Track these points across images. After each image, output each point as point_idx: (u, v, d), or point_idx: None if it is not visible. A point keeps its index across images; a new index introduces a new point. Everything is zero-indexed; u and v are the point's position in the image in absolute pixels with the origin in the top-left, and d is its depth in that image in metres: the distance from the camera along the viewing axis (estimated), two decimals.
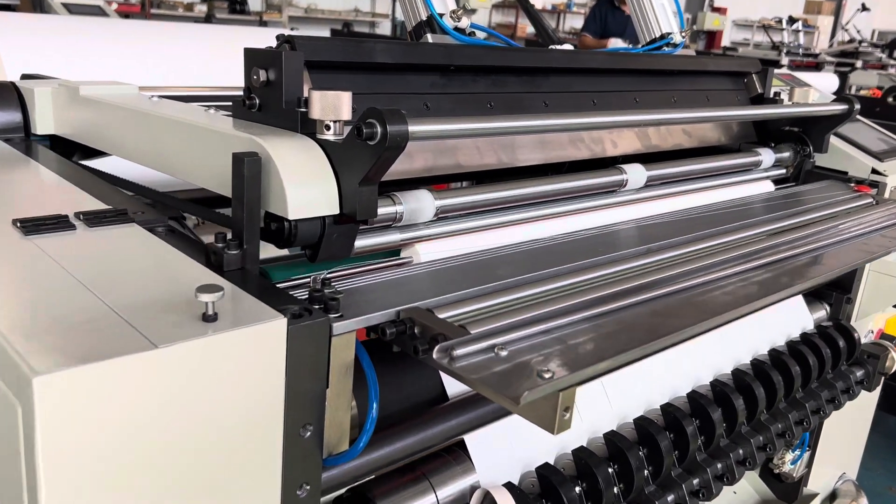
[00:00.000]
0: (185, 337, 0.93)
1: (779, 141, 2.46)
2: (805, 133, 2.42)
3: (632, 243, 1.61)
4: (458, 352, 1.00)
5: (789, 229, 1.88)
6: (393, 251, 1.45)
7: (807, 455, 2.60)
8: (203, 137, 1.36)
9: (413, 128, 1.20)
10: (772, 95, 2.50)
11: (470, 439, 1.36)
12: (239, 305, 1.05)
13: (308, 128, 1.31)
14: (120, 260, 1.17)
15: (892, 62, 12.18)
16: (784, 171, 2.43)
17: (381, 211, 1.36)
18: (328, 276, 1.27)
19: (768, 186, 2.35)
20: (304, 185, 1.21)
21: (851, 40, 13.44)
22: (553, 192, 1.68)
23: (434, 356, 0.99)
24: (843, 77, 8.45)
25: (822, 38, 16.11)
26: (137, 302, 1.01)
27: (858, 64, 11.83)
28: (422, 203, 1.43)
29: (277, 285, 1.24)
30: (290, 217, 1.20)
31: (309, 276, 1.31)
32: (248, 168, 1.19)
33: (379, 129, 1.15)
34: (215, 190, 1.33)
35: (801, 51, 12.59)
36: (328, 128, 1.27)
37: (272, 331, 1.01)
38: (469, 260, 1.37)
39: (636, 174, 1.87)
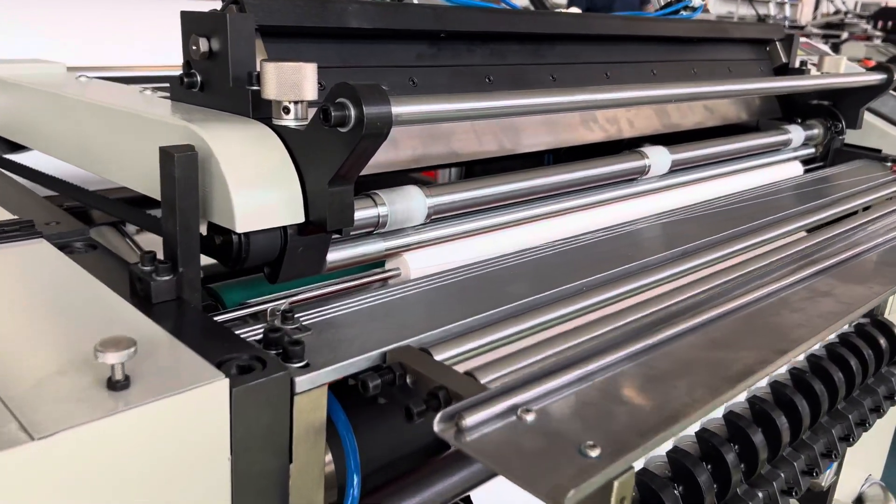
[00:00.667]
0: (77, 419, 0.64)
1: (806, 116, 2.18)
2: (836, 107, 2.14)
3: (663, 245, 1.32)
4: (470, 420, 0.71)
5: (836, 220, 1.60)
6: (376, 262, 1.16)
7: (836, 464, 2.35)
8: (128, 126, 1.06)
9: (398, 109, 0.90)
10: (797, 65, 2.22)
11: (478, 497, 1.07)
12: (164, 360, 0.75)
13: (262, 111, 1.01)
14: (6, 294, 0.87)
15: (877, 33, 11.95)
16: (813, 150, 2.15)
17: (359, 215, 1.07)
18: (290, 304, 0.97)
19: (797, 168, 2.07)
20: (257, 187, 0.91)
21: (836, 11, 13.18)
22: (566, 182, 1.39)
23: (436, 428, 0.71)
24: (836, 49, 8.20)
25: (805, 10, 15.85)
26: (19, 363, 0.71)
27: (844, 35, 11.57)
28: (410, 202, 1.14)
29: (226, 322, 0.95)
30: (239, 229, 0.90)
31: (275, 299, 1.01)
32: (181, 166, 0.89)
33: (353, 112, 0.86)
34: (147, 194, 1.03)
35: (787, 23, 12.32)
36: (287, 111, 0.97)
37: (209, 397, 0.72)
38: (470, 273, 1.09)
39: (660, 159, 1.59)
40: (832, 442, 1.79)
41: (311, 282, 1.11)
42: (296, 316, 0.92)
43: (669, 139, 1.70)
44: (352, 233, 1.10)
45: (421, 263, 1.17)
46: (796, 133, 2.05)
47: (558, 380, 0.81)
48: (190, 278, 0.93)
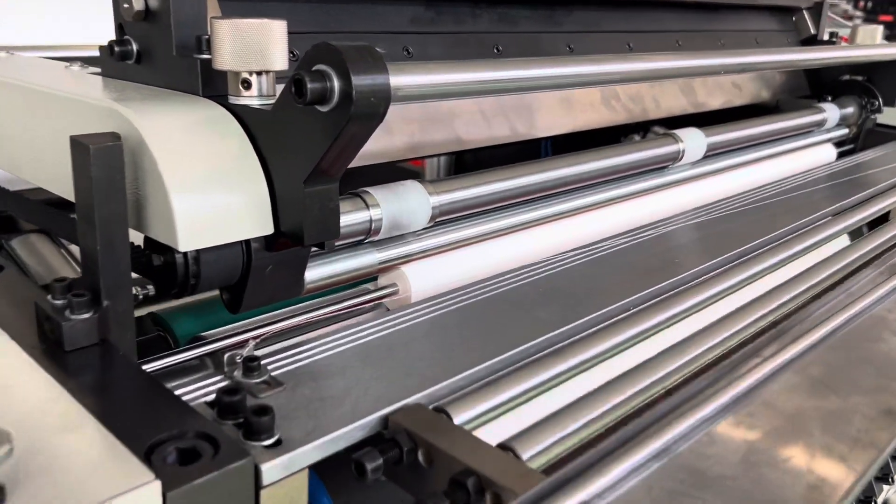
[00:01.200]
0: None
1: (837, 94, 1.95)
2: (871, 82, 1.91)
3: (712, 249, 1.09)
4: None
5: None
6: (367, 278, 0.91)
7: None
8: (41, 109, 0.81)
9: (398, 79, 0.66)
10: (826, 37, 1.99)
11: None
12: (64, 454, 0.50)
13: (215, 87, 0.77)
14: None
15: (857, 13, 11.82)
16: (846, 130, 1.92)
17: (345, 221, 0.82)
18: (256, 343, 0.72)
19: (830, 152, 1.84)
20: (208, 190, 0.68)
21: None
22: (594, 172, 1.16)
23: None
24: None
25: None
26: None
27: None
28: (410, 202, 0.90)
29: (169, 371, 0.70)
30: (183, 247, 0.65)
31: (240, 330, 0.78)
32: (100, 162, 0.64)
33: (337, 84, 0.62)
34: (65, 197, 0.78)
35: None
36: (248, 85, 0.72)
37: None
38: (488, 292, 0.90)
39: (694, 143, 1.35)
40: None
41: (287, 304, 0.87)
42: (263, 363, 0.67)
43: (691, 122, 1.46)
44: (336, 243, 0.85)
45: (424, 279, 0.93)
46: (831, 112, 1.82)
47: (632, 458, 0.57)
48: (118, 314, 0.68)
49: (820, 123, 1.80)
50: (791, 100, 1.98)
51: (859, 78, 1.94)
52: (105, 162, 0.64)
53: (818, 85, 2.00)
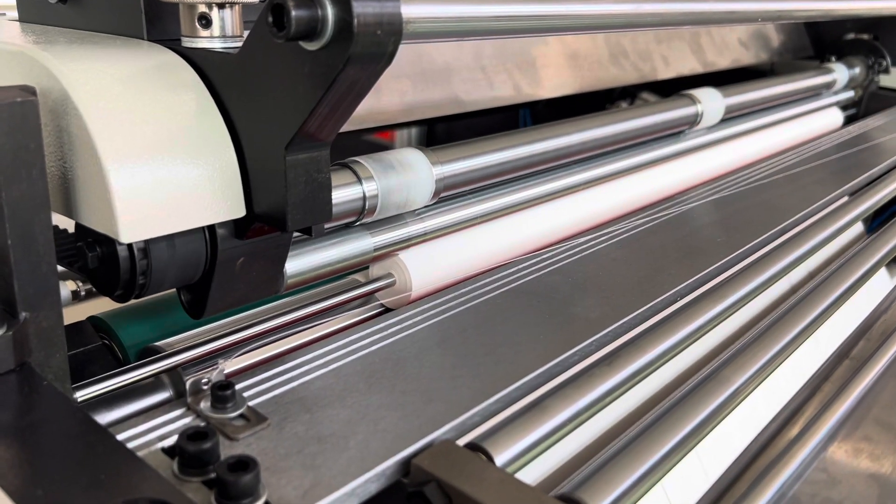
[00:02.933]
0: None
1: (841, 54, 1.82)
2: (878, 40, 1.79)
3: (754, 223, 0.94)
4: None
5: None
6: (357, 267, 0.75)
7: None
8: None
9: (411, 8, 0.49)
10: None
11: None
12: None
13: (164, 28, 0.60)
14: None
15: None
16: (852, 93, 1.79)
17: (334, 197, 0.65)
18: (226, 369, 0.56)
19: (837, 117, 1.71)
20: (157, 161, 0.51)
21: None
22: (610, 138, 1.00)
23: None
24: None
25: None
26: None
27: None
28: (410, 174, 0.74)
29: (113, 400, 0.54)
30: (126, 237, 0.48)
31: (205, 339, 0.63)
32: (5, 126, 0.47)
33: (330, 11, 0.46)
34: None
35: None
36: (206, 22, 0.55)
37: None
38: (506, 282, 0.77)
39: (712, 105, 1.21)
40: None
41: (261, 304, 0.70)
42: (237, 389, 0.51)
43: (700, 83, 1.31)
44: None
45: (425, 267, 0.77)
46: (840, 73, 1.68)
47: None
48: (42, 329, 0.51)
49: (829, 85, 1.66)
50: (793, 61, 1.85)
51: (865, 36, 1.81)
52: (14, 125, 0.47)
53: (821, 45, 1.87)
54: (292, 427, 0.51)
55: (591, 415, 0.58)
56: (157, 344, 0.65)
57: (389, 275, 0.76)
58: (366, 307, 0.76)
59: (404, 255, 0.76)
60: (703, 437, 0.60)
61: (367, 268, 0.78)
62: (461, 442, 0.51)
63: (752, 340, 0.71)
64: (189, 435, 0.45)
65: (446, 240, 0.81)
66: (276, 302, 0.72)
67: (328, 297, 0.72)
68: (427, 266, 0.77)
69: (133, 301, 0.67)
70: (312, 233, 0.58)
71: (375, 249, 0.74)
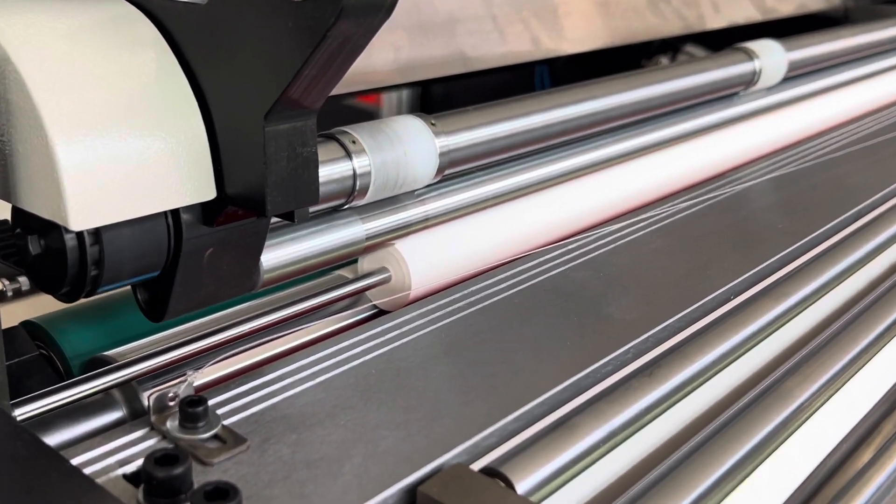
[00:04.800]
0: None
1: None
2: None
3: (823, 206, 0.98)
4: None
5: None
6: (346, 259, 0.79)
7: None
8: None
9: None
10: None
11: None
12: None
13: None
14: None
15: None
16: None
17: (320, 174, 0.68)
18: (196, 381, 0.59)
19: None
20: (110, 134, 0.54)
21: None
22: (649, 102, 1.05)
23: None
24: None
25: None
26: None
27: None
28: (408, 148, 0.77)
29: (56, 420, 0.59)
30: (76, 224, 0.53)
31: (164, 346, 0.67)
32: None
33: None
34: None
35: None
36: None
37: None
38: (525, 278, 0.80)
39: (772, 60, 1.27)
40: None
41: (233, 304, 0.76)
42: (210, 405, 0.54)
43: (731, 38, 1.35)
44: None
45: (427, 261, 0.80)
46: None
47: None
48: None
49: None
50: (871, 6, 1.88)
51: None
52: None
53: None
54: (276, 449, 0.54)
55: (627, 436, 0.61)
56: (106, 354, 0.69)
57: (383, 269, 0.80)
58: (354, 309, 0.79)
59: (401, 245, 0.80)
60: (761, 463, 0.63)
61: (356, 261, 0.81)
62: (475, 466, 0.53)
63: (820, 347, 0.74)
64: (157, 458, 0.47)
65: (452, 226, 0.85)
66: (250, 302, 0.75)
67: (309, 296, 0.75)
68: (429, 258, 0.81)
69: (75, 304, 0.71)
70: (295, 218, 0.60)
71: (368, 238, 0.77)
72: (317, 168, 0.60)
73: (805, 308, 0.82)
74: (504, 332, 0.71)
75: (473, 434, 0.57)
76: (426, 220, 0.82)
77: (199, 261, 0.62)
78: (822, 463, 0.70)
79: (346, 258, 0.78)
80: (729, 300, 0.79)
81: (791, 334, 0.79)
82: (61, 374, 0.71)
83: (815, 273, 0.85)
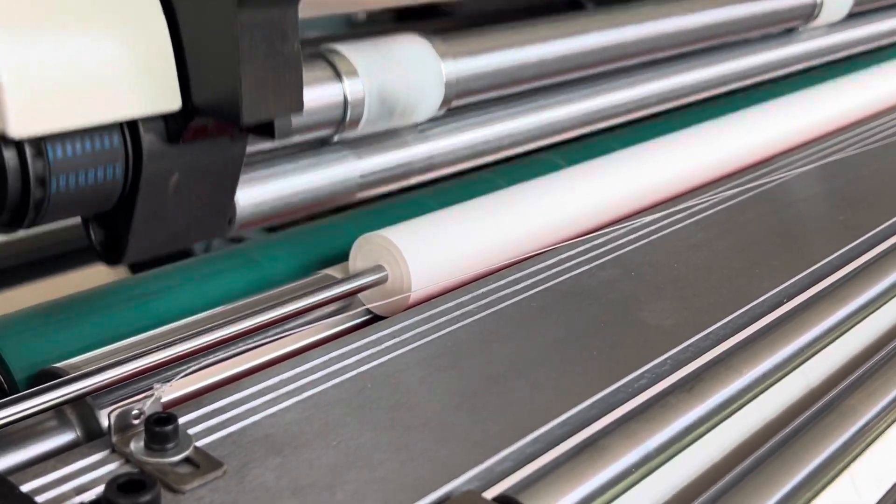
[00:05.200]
0: None
1: None
2: None
3: (870, 197, 1.05)
4: None
5: None
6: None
7: None
8: None
9: None
10: None
11: None
12: None
13: None
14: None
15: None
16: None
17: (308, 96, 0.72)
18: (164, 397, 0.61)
19: None
20: (55, 28, 0.59)
21: None
22: (689, 34, 1.14)
23: None
24: None
25: None
26: None
27: None
28: (409, 71, 0.82)
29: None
30: (16, 131, 0.57)
31: (125, 356, 0.67)
32: None
33: None
34: None
35: None
36: None
37: None
38: (544, 279, 0.83)
39: None
40: None
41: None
42: (181, 424, 0.56)
43: None
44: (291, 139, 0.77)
45: (430, 258, 0.82)
46: None
47: None
48: None
49: None
50: None
51: None
52: None
53: None
54: (257, 475, 0.55)
55: (664, 460, 0.63)
56: (56, 366, 0.69)
57: (379, 268, 0.80)
58: (346, 314, 0.79)
59: (399, 240, 0.80)
60: (820, 492, 0.64)
61: (346, 260, 0.82)
62: (489, 494, 0.54)
63: (888, 359, 0.74)
64: (120, 485, 0.48)
65: (459, 217, 0.87)
66: (221, 308, 0.76)
67: (294, 297, 0.76)
68: (432, 255, 0.82)
69: (20, 309, 0.75)
70: (276, 132, 0.61)
71: (362, 178, 0.78)
72: (300, 69, 0.60)
73: (869, 314, 0.83)
74: (520, 340, 0.73)
75: (485, 458, 0.58)
76: (430, 161, 0.83)
77: (163, 188, 0.64)
78: (889, 491, 0.70)
79: (337, 203, 0.79)
80: (781, 304, 0.80)
81: (854, 344, 0.80)
82: (3, 390, 0.72)
83: (880, 273, 0.85)
